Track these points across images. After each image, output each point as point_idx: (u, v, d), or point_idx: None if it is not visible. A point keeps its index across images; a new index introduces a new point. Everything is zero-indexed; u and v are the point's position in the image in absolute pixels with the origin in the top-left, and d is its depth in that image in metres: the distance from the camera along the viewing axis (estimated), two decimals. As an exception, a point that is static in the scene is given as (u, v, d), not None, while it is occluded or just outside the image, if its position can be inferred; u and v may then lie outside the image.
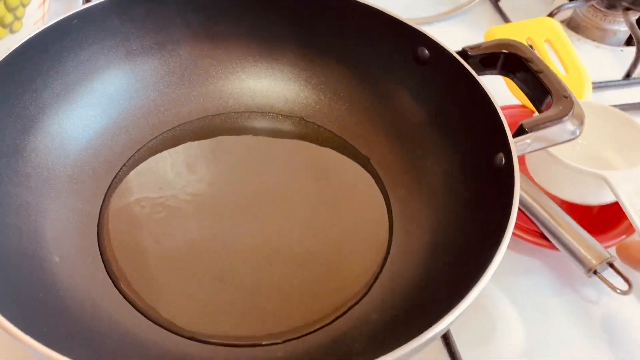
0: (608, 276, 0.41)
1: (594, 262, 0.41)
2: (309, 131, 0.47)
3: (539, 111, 0.40)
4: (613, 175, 0.43)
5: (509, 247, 0.32)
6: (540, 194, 0.44)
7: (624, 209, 0.42)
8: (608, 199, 0.45)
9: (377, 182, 0.44)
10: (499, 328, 0.43)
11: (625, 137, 0.48)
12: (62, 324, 0.32)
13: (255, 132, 0.48)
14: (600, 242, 0.43)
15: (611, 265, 0.41)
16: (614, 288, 0.41)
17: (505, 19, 0.69)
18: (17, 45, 0.38)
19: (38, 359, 0.33)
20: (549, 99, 0.38)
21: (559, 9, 0.67)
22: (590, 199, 0.45)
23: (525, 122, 0.37)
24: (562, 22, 0.70)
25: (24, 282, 0.33)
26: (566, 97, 0.38)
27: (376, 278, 0.39)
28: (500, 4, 0.71)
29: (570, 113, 0.37)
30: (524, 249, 0.45)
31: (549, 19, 0.58)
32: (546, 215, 0.43)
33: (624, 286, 0.41)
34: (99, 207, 0.41)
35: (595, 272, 0.41)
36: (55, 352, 0.26)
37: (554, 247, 0.43)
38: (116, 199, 0.42)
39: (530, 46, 0.57)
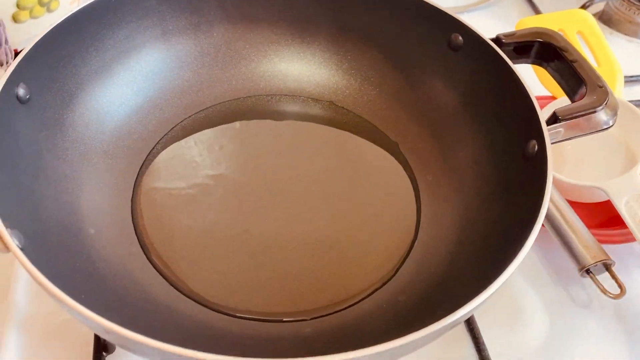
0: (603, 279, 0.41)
1: (590, 260, 0.40)
2: (339, 115, 0.48)
3: (572, 101, 0.40)
4: (610, 186, 0.43)
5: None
6: (552, 187, 0.44)
7: (623, 219, 0.42)
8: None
9: (405, 168, 0.45)
10: (523, 314, 0.43)
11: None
12: (98, 293, 0.33)
13: (285, 115, 0.48)
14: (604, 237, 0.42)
15: (607, 267, 0.41)
16: (604, 291, 0.41)
17: (536, 11, 0.69)
18: (58, 22, 0.39)
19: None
20: (583, 88, 0.38)
21: (591, 1, 0.66)
22: (594, 198, 0.46)
23: (558, 110, 0.37)
24: (595, 15, 0.69)
25: (61, 251, 0.34)
26: (601, 87, 0.38)
27: (403, 261, 0.39)
28: (532, -5, 0.70)
29: (605, 103, 0.37)
30: (548, 236, 0.45)
31: (582, 11, 0.58)
32: (551, 207, 0.42)
33: (615, 290, 0.41)
34: (133, 183, 0.42)
35: (588, 272, 0.41)
36: (98, 316, 0.26)
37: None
38: (149, 176, 0.42)
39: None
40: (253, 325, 0.35)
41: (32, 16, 0.53)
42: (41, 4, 0.53)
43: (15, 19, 0.52)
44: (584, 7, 0.65)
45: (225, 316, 0.36)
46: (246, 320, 0.36)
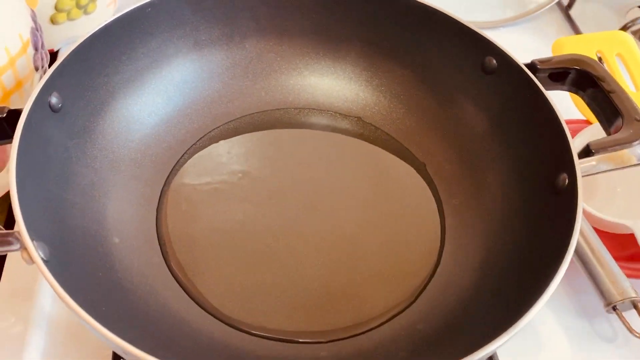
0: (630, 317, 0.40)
1: (617, 297, 0.39)
2: (366, 132, 0.47)
3: (608, 133, 0.39)
4: (638, 226, 0.42)
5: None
6: (582, 218, 0.43)
7: None
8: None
9: (431, 189, 0.44)
10: (544, 345, 0.42)
11: None
12: (119, 305, 0.34)
13: (312, 128, 0.48)
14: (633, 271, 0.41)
15: (635, 305, 0.40)
16: (631, 329, 0.39)
17: (575, 29, 0.67)
18: (93, 31, 0.39)
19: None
20: (619, 120, 0.37)
21: (634, 22, 0.64)
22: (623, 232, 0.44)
23: (592, 143, 0.36)
24: (635, 33, 0.67)
25: (85, 261, 0.35)
26: (638, 121, 0.37)
27: (425, 287, 0.39)
28: (571, 12, 0.69)
29: (642, 137, 0.36)
30: (574, 267, 0.44)
31: (622, 32, 0.56)
32: (580, 239, 0.41)
33: None
34: (159, 192, 0.42)
35: (614, 308, 0.40)
36: (116, 337, 0.27)
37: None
38: (176, 186, 0.43)
39: (600, 59, 0.55)
40: (268, 345, 0.35)
41: (70, 18, 0.54)
42: (79, 6, 0.53)
43: (52, 20, 0.53)
44: (625, 27, 0.63)
45: (241, 333, 0.36)
46: (262, 338, 0.36)
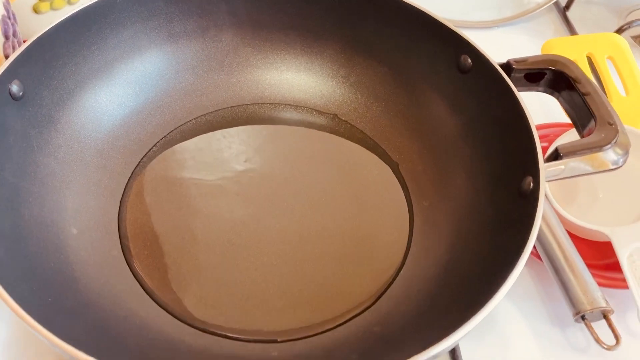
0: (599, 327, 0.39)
1: (586, 306, 0.38)
2: (342, 129, 0.47)
3: (581, 135, 0.38)
4: (616, 233, 0.41)
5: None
6: (557, 223, 0.42)
7: (623, 271, 0.39)
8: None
9: (403, 190, 0.43)
10: (514, 353, 0.41)
11: None
12: (69, 296, 0.33)
13: (288, 124, 0.47)
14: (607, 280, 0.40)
15: (605, 315, 0.38)
16: (598, 340, 0.38)
17: (572, 30, 0.65)
18: (60, 20, 0.39)
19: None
20: (592, 123, 0.36)
21: (630, 24, 0.62)
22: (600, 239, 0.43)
23: (561, 146, 0.35)
24: (635, 37, 0.65)
25: (38, 250, 0.34)
26: (611, 124, 0.35)
27: (386, 289, 0.38)
28: (569, 13, 0.67)
29: (613, 141, 0.35)
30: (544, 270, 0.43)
31: (614, 34, 0.55)
32: (553, 244, 0.40)
33: (611, 341, 0.38)
34: (124, 185, 0.42)
35: (583, 318, 0.39)
36: (46, 330, 0.26)
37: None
38: (142, 178, 0.42)
39: (591, 62, 0.54)
40: (221, 342, 0.35)
41: (53, 8, 0.54)
42: (62, -4, 0.53)
43: (35, 10, 0.53)
44: (620, 30, 0.61)
45: (194, 329, 0.35)
46: (214, 336, 0.35)
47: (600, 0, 0.70)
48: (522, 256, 0.30)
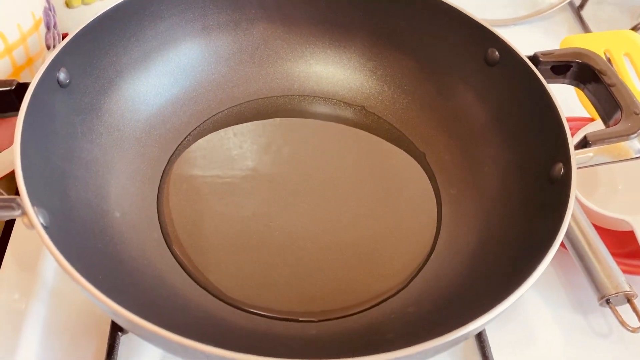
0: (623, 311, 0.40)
1: (611, 290, 0.39)
2: (369, 121, 0.48)
3: (607, 126, 0.39)
4: (638, 221, 0.42)
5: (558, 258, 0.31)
6: (580, 211, 0.43)
7: None
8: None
9: (430, 179, 0.44)
10: (537, 337, 0.42)
11: None
12: (116, 275, 0.35)
13: (316, 116, 0.48)
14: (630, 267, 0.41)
15: (629, 299, 0.40)
16: (623, 323, 0.39)
17: (586, 29, 0.67)
18: (103, 11, 0.40)
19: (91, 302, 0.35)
20: (618, 114, 0.37)
21: (644, 23, 0.64)
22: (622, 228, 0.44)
23: (589, 134, 0.36)
24: (647, 37, 0.67)
25: (86, 231, 0.36)
26: (637, 114, 0.37)
27: (418, 272, 0.39)
28: (583, 12, 0.69)
29: (639, 131, 0.36)
30: (572, 261, 0.44)
31: (631, 32, 0.56)
32: (577, 231, 0.41)
33: (635, 324, 0.39)
34: (161, 172, 0.43)
35: (608, 302, 0.40)
36: (108, 299, 0.27)
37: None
38: (178, 166, 0.44)
39: (608, 59, 0.55)
40: (260, 321, 0.36)
41: (84, 2, 0.55)
42: (91, -9, 0.55)
43: (67, 4, 0.54)
44: (635, 28, 0.63)
45: (235, 309, 0.36)
46: (254, 315, 0.36)
47: (613, 0, 0.72)
48: (555, 241, 0.31)
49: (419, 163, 0.45)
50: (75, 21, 0.56)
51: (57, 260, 0.28)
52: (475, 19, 0.43)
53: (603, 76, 0.39)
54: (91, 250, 0.34)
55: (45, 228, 0.30)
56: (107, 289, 0.29)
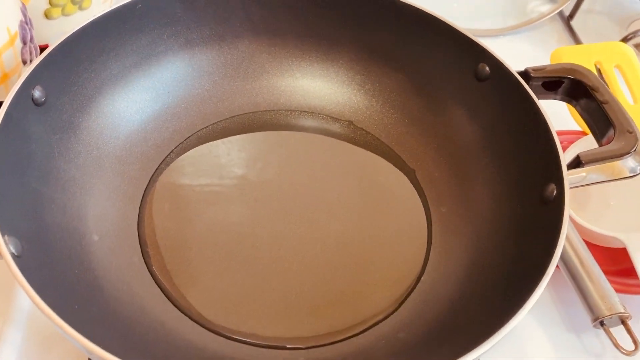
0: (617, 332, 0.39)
1: (605, 312, 0.38)
2: (357, 136, 0.47)
3: (600, 144, 0.38)
4: (631, 239, 0.41)
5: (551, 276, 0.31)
6: (572, 230, 0.42)
7: (639, 277, 0.40)
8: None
9: (420, 196, 0.43)
10: (530, 355, 0.41)
11: None
12: (93, 304, 0.33)
13: (303, 131, 0.47)
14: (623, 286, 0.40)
15: (623, 321, 0.39)
16: (617, 345, 0.39)
17: (576, 39, 0.66)
18: (80, 26, 0.39)
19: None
20: (611, 132, 0.37)
21: (635, 33, 0.63)
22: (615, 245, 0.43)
23: (582, 154, 0.35)
24: (638, 46, 0.66)
25: (62, 257, 0.34)
26: (630, 133, 0.36)
27: (408, 295, 0.38)
28: (573, 22, 0.68)
29: (633, 150, 0.35)
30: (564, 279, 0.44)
31: (622, 43, 0.56)
32: (570, 251, 0.41)
33: (630, 346, 0.38)
34: (143, 191, 0.41)
35: (602, 324, 0.39)
36: (80, 335, 0.26)
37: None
38: (160, 184, 0.42)
39: (599, 70, 0.55)
40: (246, 350, 0.35)
41: (64, 13, 0.53)
42: (73, 2, 0.53)
43: (47, 15, 0.53)
44: (626, 39, 0.62)
45: (219, 337, 0.35)
46: (240, 343, 0.35)
47: (602, 10, 0.71)
48: (549, 267, 0.30)
49: (408, 180, 0.44)
50: (55, 32, 0.55)
51: (26, 293, 0.27)
52: (466, 34, 0.42)
53: (595, 93, 0.38)
54: (67, 278, 0.33)
55: (17, 257, 0.29)
56: (84, 320, 0.28)
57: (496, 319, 0.30)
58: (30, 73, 0.35)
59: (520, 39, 0.68)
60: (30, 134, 0.36)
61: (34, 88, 0.36)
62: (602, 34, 0.68)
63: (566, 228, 0.32)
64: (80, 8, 0.54)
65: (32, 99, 0.36)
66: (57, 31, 0.55)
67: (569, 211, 0.33)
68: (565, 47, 0.57)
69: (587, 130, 0.51)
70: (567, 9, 0.68)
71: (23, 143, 0.35)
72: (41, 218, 0.34)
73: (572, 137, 0.51)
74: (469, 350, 0.28)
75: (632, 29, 0.66)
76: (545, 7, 0.69)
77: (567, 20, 0.68)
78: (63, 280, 0.32)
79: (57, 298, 0.29)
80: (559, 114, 0.53)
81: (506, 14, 0.69)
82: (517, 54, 0.66)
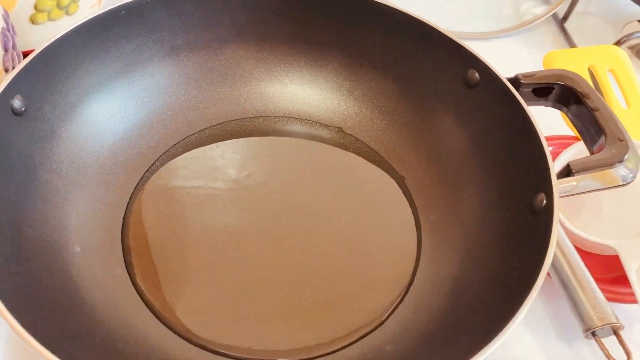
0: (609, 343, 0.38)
1: (596, 322, 0.37)
2: (346, 143, 0.46)
3: (591, 151, 0.38)
4: (623, 247, 0.40)
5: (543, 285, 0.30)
6: (563, 237, 0.41)
7: (631, 285, 0.39)
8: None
9: (409, 204, 0.43)
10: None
11: None
12: (75, 318, 0.33)
13: (292, 137, 0.47)
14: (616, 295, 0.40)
15: (615, 331, 0.38)
16: (609, 356, 0.38)
17: (570, 42, 0.66)
18: (63, 32, 0.38)
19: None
20: (602, 139, 0.36)
21: (628, 36, 0.63)
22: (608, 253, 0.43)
23: (572, 163, 0.35)
24: (632, 48, 0.66)
25: (42, 270, 0.34)
26: (621, 141, 0.35)
27: (397, 306, 0.38)
28: (566, 24, 0.67)
29: (625, 158, 0.35)
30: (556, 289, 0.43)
31: (615, 47, 0.55)
32: (561, 259, 0.40)
33: (622, 357, 0.38)
34: (127, 200, 0.41)
35: (594, 334, 0.38)
36: (49, 352, 0.25)
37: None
38: (145, 193, 0.42)
39: (592, 74, 0.54)
40: (230, 363, 0.34)
41: (50, 18, 0.53)
42: (59, 7, 0.52)
43: (33, 21, 0.52)
44: (619, 42, 0.62)
45: (203, 351, 0.35)
46: (224, 357, 0.34)
47: (596, 12, 0.71)
48: (538, 278, 0.30)
49: (398, 187, 0.44)
50: (41, 37, 0.54)
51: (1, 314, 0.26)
52: (456, 40, 0.41)
53: (586, 100, 0.37)
54: (47, 292, 0.32)
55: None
56: (62, 336, 0.28)
57: (486, 331, 0.30)
58: (9, 82, 0.34)
59: (514, 41, 0.67)
60: (10, 144, 0.35)
61: (13, 97, 0.35)
62: (596, 36, 0.67)
63: (555, 238, 0.31)
64: (67, 13, 0.53)
65: (12, 109, 0.35)
66: (44, 36, 0.54)
67: (558, 221, 0.32)
68: (557, 51, 0.56)
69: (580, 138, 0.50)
70: (561, 11, 0.68)
71: (2, 154, 0.34)
72: (19, 229, 0.34)
73: (565, 142, 0.50)
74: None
75: (626, 31, 0.66)
76: (539, 9, 0.68)
77: (561, 22, 0.68)
78: (43, 295, 0.32)
79: (35, 313, 0.28)
80: (552, 119, 0.52)
81: (500, 16, 0.69)
82: (511, 57, 0.66)
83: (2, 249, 0.30)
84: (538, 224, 0.33)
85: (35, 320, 0.27)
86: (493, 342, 0.29)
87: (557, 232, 0.32)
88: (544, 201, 0.34)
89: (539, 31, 0.68)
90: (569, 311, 0.40)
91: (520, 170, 0.37)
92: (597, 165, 0.34)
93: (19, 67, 0.35)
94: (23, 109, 0.36)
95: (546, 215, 0.33)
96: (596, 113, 0.37)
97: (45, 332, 0.27)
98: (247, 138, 0.46)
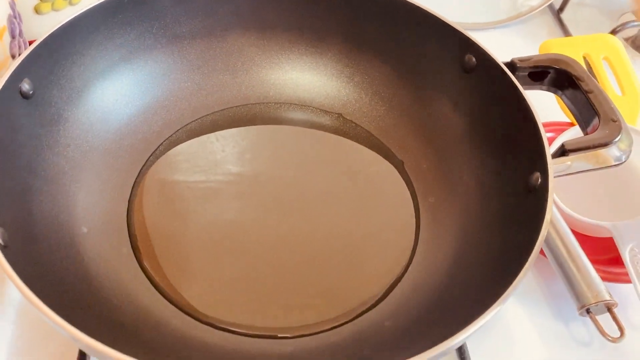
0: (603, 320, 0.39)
1: (591, 299, 0.39)
2: (346, 128, 0.47)
3: (585, 133, 0.38)
4: (618, 228, 0.41)
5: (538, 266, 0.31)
6: (558, 218, 0.42)
7: (625, 265, 0.40)
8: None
9: (408, 187, 0.44)
10: (519, 347, 0.42)
11: None
12: (82, 294, 0.33)
13: (293, 123, 0.48)
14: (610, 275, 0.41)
15: (609, 308, 0.39)
16: (604, 333, 0.39)
17: (566, 32, 0.66)
18: (68, 19, 0.39)
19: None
20: (596, 121, 0.37)
21: (623, 25, 0.64)
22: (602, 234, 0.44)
23: (567, 142, 0.36)
24: (627, 39, 0.67)
25: (49, 248, 0.34)
26: (614, 121, 0.36)
27: (395, 284, 0.38)
28: (563, 15, 0.68)
29: (618, 138, 0.36)
30: (551, 269, 0.44)
31: (610, 35, 0.56)
32: (556, 239, 0.41)
33: (616, 333, 0.39)
34: (132, 183, 0.42)
35: (588, 311, 0.39)
36: (68, 324, 0.26)
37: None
38: (149, 177, 0.42)
39: (587, 63, 0.55)
40: (235, 339, 0.35)
41: (54, 8, 0.53)
42: (63, -4, 0.53)
43: (37, 10, 0.53)
44: (614, 31, 0.62)
45: (208, 327, 0.35)
46: (229, 332, 0.35)
47: (592, 2, 0.72)
48: (532, 253, 0.31)
49: (397, 171, 0.44)
50: (45, 28, 0.55)
51: (13, 282, 0.27)
52: (452, 25, 0.42)
53: (580, 82, 0.38)
54: (55, 269, 0.33)
55: (4, 247, 0.29)
56: (73, 310, 0.28)
57: (482, 303, 0.30)
58: (18, 66, 0.35)
59: (511, 32, 0.68)
60: (19, 127, 0.36)
61: (22, 81, 0.36)
62: (591, 27, 0.68)
63: (550, 214, 0.32)
64: (71, 3, 0.54)
65: (20, 92, 0.36)
66: (48, 26, 0.54)
67: (553, 199, 0.33)
68: (553, 40, 0.57)
69: (575, 121, 0.51)
70: (557, 1, 0.69)
71: (11, 135, 0.35)
72: (28, 209, 0.34)
73: (560, 128, 0.51)
74: (451, 334, 0.28)
75: (621, 21, 0.67)
76: (536, 0, 0.69)
77: (557, 13, 0.69)
78: (51, 271, 0.33)
79: (44, 288, 0.29)
80: (547, 106, 0.53)
81: (497, 7, 0.70)
82: (508, 47, 0.66)
83: (13, 225, 0.31)
84: (534, 202, 0.34)
85: (47, 290, 0.28)
86: (486, 313, 0.29)
87: (551, 209, 0.32)
88: (539, 180, 0.34)
89: (535, 22, 0.69)
90: (564, 292, 0.41)
91: (517, 151, 0.38)
92: (590, 145, 0.35)
93: (27, 52, 0.36)
94: (31, 92, 0.37)
95: (541, 193, 0.34)
96: (590, 95, 0.37)
97: (55, 301, 0.28)
98: (249, 125, 0.47)
